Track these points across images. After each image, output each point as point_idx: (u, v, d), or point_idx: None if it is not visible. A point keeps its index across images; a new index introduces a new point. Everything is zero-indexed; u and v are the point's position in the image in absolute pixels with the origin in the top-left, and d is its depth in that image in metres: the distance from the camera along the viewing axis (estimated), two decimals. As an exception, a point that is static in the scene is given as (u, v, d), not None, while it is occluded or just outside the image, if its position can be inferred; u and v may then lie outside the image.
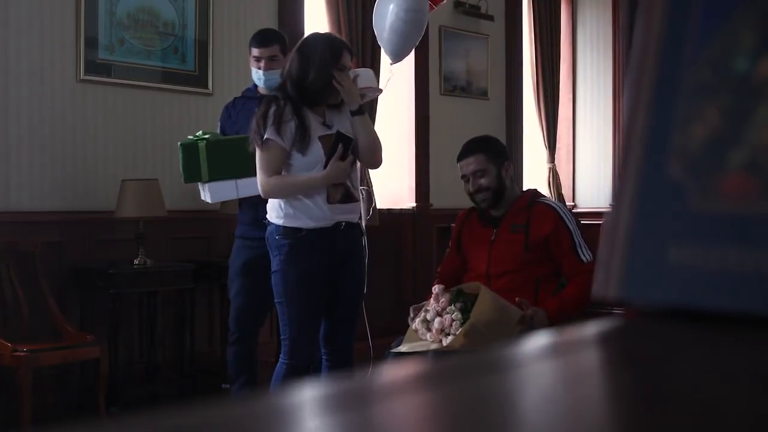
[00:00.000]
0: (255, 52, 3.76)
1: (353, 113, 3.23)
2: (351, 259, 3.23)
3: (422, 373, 0.39)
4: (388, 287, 5.86)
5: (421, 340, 2.90)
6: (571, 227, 3.09)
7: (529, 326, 2.88)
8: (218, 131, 3.87)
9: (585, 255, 3.06)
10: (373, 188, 5.53)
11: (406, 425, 0.33)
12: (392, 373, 0.41)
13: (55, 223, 4.26)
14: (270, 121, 3.10)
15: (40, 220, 4.21)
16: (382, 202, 5.75)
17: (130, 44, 4.54)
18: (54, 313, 4.00)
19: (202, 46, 4.85)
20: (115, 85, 4.50)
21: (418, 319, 2.92)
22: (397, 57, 3.67)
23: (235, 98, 3.91)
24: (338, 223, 3.15)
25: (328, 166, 3.09)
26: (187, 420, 0.32)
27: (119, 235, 4.38)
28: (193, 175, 3.65)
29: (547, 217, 3.10)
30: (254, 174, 3.41)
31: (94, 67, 4.42)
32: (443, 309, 2.86)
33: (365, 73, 3.49)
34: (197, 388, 4.54)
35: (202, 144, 3.62)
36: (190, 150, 3.63)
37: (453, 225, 3.42)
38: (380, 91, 3.73)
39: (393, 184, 6.14)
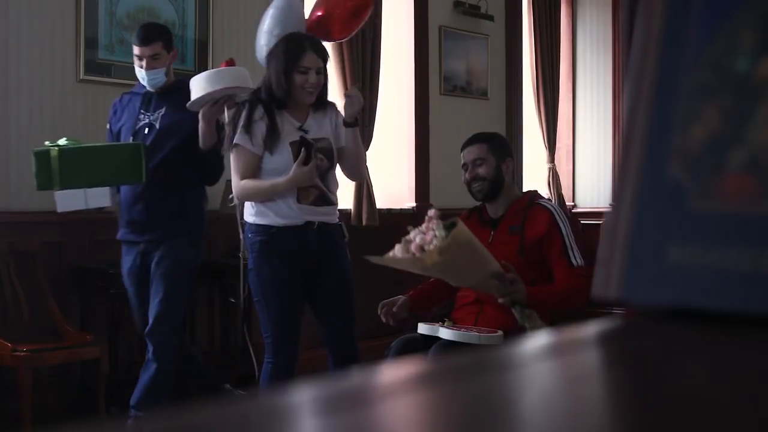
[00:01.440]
0: (136, 50, 3.64)
1: (347, 124, 3.26)
2: (329, 261, 3.23)
3: (422, 372, 0.39)
4: (388, 287, 5.84)
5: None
6: (563, 230, 3.07)
7: (503, 287, 2.84)
8: (108, 127, 3.82)
9: (576, 259, 3.04)
10: (373, 188, 5.53)
11: (405, 425, 0.33)
12: (392, 372, 0.41)
13: (55, 223, 4.26)
14: (240, 123, 3.16)
15: (40, 220, 4.21)
16: (382, 202, 5.75)
17: (130, 44, 4.53)
18: (54, 313, 4.00)
19: (202, 46, 4.85)
20: (115, 85, 4.50)
21: (398, 245, 2.87)
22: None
23: (123, 94, 3.84)
24: (310, 223, 3.16)
25: (291, 170, 3.11)
26: (187, 420, 0.32)
27: (119, 235, 4.38)
28: (44, 182, 3.53)
29: (542, 218, 3.09)
30: (108, 184, 3.53)
31: (94, 67, 4.42)
32: (428, 228, 2.83)
33: (235, 72, 3.43)
34: (197, 388, 4.53)
35: (54, 151, 3.54)
36: (42, 157, 3.54)
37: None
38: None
39: (393, 184, 6.14)
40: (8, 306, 3.97)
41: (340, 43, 5.41)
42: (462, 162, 3.24)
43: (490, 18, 6.69)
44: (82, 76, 4.38)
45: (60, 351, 3.83)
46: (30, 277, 4.02)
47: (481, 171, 3.18)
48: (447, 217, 2.80)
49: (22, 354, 3.66)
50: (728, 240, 0.42)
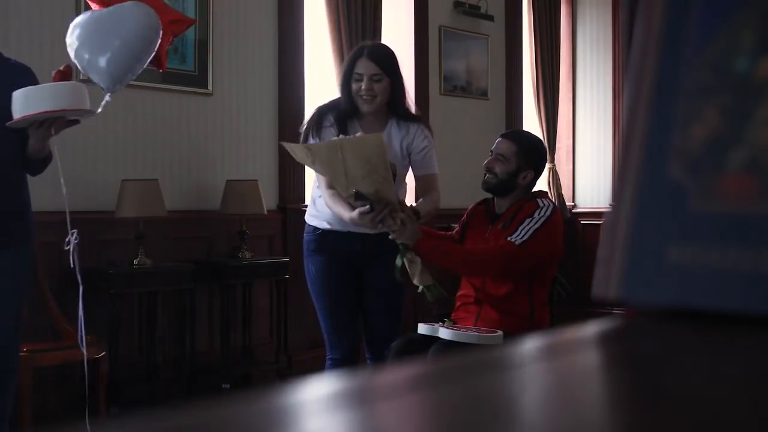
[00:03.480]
0: None
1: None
2: (378, 263, 3.21)
3: (421, 373, 0.39)
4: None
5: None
6: (534, 216, 3.04)
7: (392, 224, 2.88)
8: None
9: (514, 236, 3.00)
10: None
11: (403, 425, 0.33)
12: (392, 373, 0.41)
13: (55, 223, 4.25)
14: (312, 131, 3.16)
15: (40, 220, 4.20)
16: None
17: (130, 44, 4.53)
18: (54, 313, 4.00)
19: (202, 46, 4.85)
20: (115, 85, 4.50)
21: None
22: (119, 83, 3.18)
23: None
24: (355, 233, 3.14)
25: (354, 214, 2.92)
26: (187, 420, 0.32)
27: (119, 235, 4.38)
28: None
29: (528, 211, 3.08)
30: None
31: (94, 67, 4.41)
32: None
33: (66, 89, 2.92)
34: (197, 388, 4.54)
35: None
36: None
37: (453, 226, 3.43)
38: (91, 113, 3.12)
39: (393, 184, 6.14)
40: (8, 306, 3.96)
41: (341, 43, 5.41)
42: (492, 147, 3.24)
43: (490, 18, 6.69)
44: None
45: (60, 351, 3.83)
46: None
47: (498, 168, 3.15)
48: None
49: (22, 354, 3.65)
50: (728, 240, 0.42)
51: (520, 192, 3.17)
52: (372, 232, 3.05)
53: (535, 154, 3.22)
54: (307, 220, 3.31)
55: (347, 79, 3.14)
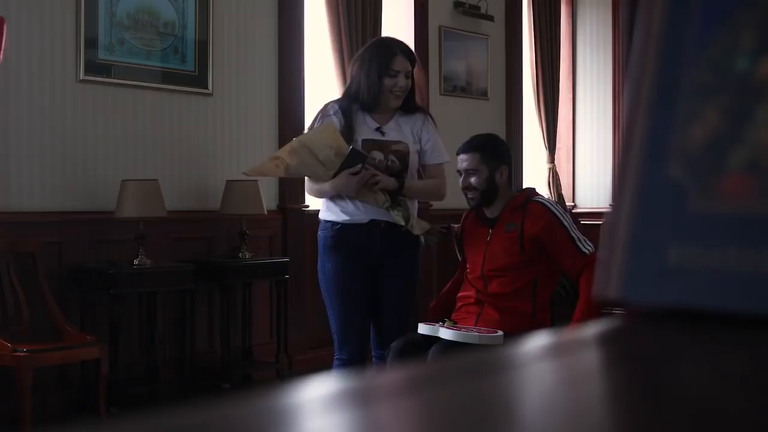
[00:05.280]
0: None
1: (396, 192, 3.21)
2: (392, 264, 3.21)
3: (421, 373, 0.39)
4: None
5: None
6: (566, 224, 3.05)
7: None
8: None
9: (586, 247, 3.02)
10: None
11: (403, 426, 0.33)
12: (391, 374, 0.41)
13: (55, 223, 4.26)
14: (317, 121, 3.24)
15: (40, 220, 4.21)
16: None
17: (130, 44, 4.53)
18: (54, 313, 4.00)
19: (202, 46, 4.85)
20: (115, 85, 4.50)
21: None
22: None
23: None
24: (376, 222, 3.15)
25: (338, 176, 3.09)
26: (187, 420, 0.32)
27: (119, 235, 4.38)
28: None
29: (541, 215, 3.07)
30: None
31: (94, 67, 4.41)
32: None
33: None
34: (197, 388, 4.54)
35: None
36: None
37: (454, 226, 3.43)
38: None
39: (393, 184, 6.13)
40: (8, 306, 3.97)
41: (341, 43, 5.42)
42: (456, 167, 3.24)
43: (490, 18, 6.69)
44: (82, 76, 4.38)
45: (60, 351, 3.83)
46: (30, 277, 4.02)
47: (473, 181, 3.16)
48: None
49: (22, 354, 3.65)
50: (728, 240, 0.42)
51: (504, 190, 3.18)
52: (390, 220, 3.15)
53: (497, 150, 3.26)
54: (322, 217, 3.28)
55: (381, 74, 3.17)
